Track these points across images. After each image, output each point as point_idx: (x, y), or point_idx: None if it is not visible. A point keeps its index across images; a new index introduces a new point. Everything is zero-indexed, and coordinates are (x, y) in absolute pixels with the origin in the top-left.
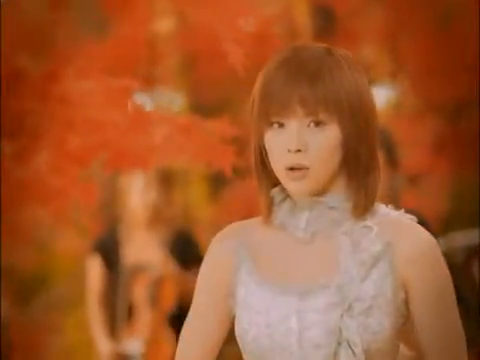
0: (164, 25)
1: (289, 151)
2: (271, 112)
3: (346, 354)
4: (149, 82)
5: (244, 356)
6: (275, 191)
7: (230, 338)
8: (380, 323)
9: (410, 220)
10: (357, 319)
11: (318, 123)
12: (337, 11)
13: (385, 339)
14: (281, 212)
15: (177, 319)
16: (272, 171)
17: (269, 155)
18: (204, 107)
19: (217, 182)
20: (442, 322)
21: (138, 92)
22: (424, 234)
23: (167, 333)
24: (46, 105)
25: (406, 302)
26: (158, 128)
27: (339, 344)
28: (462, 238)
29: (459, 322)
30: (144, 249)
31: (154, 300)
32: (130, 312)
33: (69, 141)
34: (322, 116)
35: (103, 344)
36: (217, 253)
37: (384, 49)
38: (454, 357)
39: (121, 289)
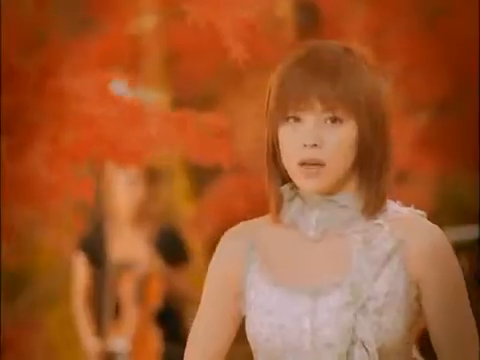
0: (149, 21)
1: (305, 146)
2: (289, 106)
3: (360, 354)
4: (137, 77)
5: (256, 356)
6: (284, 189)
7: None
8: (394, 321)
9: (420, 216)
10: (371, 318)
11: (335, 120)
12: (321, 8)
13: (399, 337)
14: (291, 210)
15: (163, 316)
16: (283, 168)
17: (282, 150)
18: (188, 102)
19: (198, 178)
20: (455, 318)
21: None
22: (435, 230)
23: (153, 330)
24: (41, 101)
25: (418, 299)
26: (152, 123)
27: (353, 343)
28: (449, 235)
29: (472, 317)
30: (130, 246)
31: (140, 297)
32: (116, 309)
33: (64, 136)
34: (340, 113)
35: (89, 342)
36: (227, 252)
37: (369, 46)
38: (467, 352)
39: (107, 286)
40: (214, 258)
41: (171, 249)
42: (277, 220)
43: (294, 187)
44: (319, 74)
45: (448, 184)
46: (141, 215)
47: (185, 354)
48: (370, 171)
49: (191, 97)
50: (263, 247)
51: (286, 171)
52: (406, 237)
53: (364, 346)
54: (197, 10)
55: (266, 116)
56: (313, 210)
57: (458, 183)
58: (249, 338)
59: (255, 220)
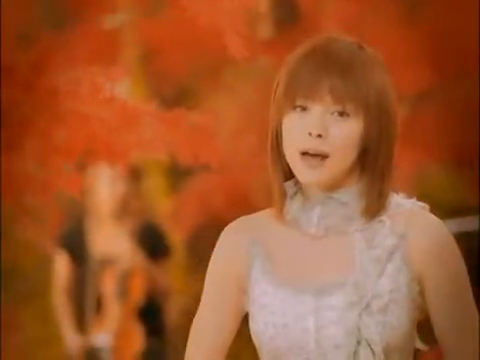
0: (126, 17)
1: (310, 135)
2: (298, 94)
3: (365, 353)
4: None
5: (260, 355)
6: (288, 185)
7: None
8: (398, 318)
9: (422, 208)
10: (376, 317)
11: (342, 114)
12: (299, 2)
13: (403, 335)
14: (292, 207)
15: (146, 311)
16: (285, 161)
17: (285, 138)
18: (165, 98)
19: (175, 174)
20: (459, 311)
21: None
22: (437, 223)
23: (136, 325)
24: (33, 96)
25: (421, 294)
26: (143, 122)
27: (358, 343)
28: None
29: (475, 310)
30: (112, 242)
31: (123, 293)
32: (98, 305)
33: (55, 133)
34: (349, 108)
35: (71, 338)
36: (228, 248)
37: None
38: (471, 345)
39: (89, 282)
40: (214, 254)
41: (152, 244)
42: (279, 216)
43: (297, 182)
44: (332, 67)
45: (424, 178)
46: (123, 211)
47: (187, 350)
48: (374, 170)
49: (169, 93)
50: (265, 244)
51: (288, 165)
52: (408, 232)
53: (369, 346)
54: (195, 6)
55: (273, 104)
56: (314, 207)
57: (435, 177)
58: (253, 335)
59: (254, 215)
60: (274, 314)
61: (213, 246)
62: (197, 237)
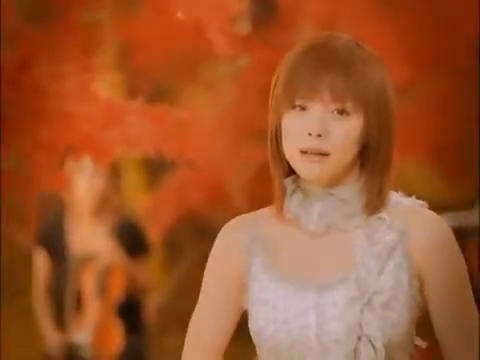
0: (106, 13)
1: (310, 135)
2: (297, 94)
3: (366, 349)
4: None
5: (260, 353)
6: (287, 181)
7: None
8: (399, 315)
9: (422, 206)
10: (377, 313)
11: (342, 112)
12: None
13: (404, 331)
14: (292, 204)
15: (125, 308)
16: (284, 158)
17: (284, 137)
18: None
19: (152, 171)
20: (459, 309)
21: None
22: (437, 220)
23: (115, 322)
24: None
25: (421, 291)
26: (128, 119)
27: (359, 339)
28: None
29: (475, 307)
30: (91, 238)
31: (102, 290)
32: (78, 302)
33: (41, 130)
34: (348, 106)
35: (50, 335)
36: (227, 245)
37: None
38: (471, 342)
39: (69, 279)
40: (213, 252)
41: (131, 241)
42: (279, 213)
43: (296, 179)
44: (332, 65)
45: (410, 173)
46: (101, 207)
47: (185, 348)
48: (374, 166)
49: (146, 88)
50: (265, 241)
51: (288, 162)
52: (408, 228)
53: (370, 342)
54: (181, 4)
55: (271, 103)
56: (314, 204)
57: (412, 173)
58: (252, 334)
59: (254, 213)
60: (275, 310)
61: (190, 243)
62: (174, 234)
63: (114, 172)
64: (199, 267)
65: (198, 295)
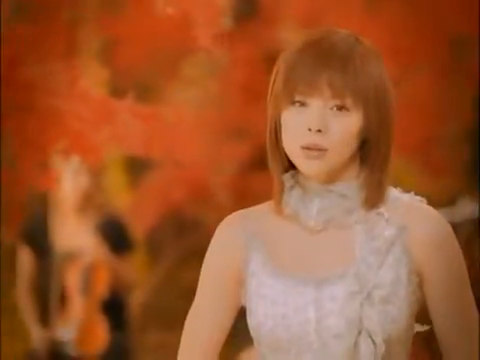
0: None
1: (309, 130)
2: (297, 89)
3: (366, 344)
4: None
5: (258, 348)
6: (286, 177)
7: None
8: (399, 310)
9: (420, 202)
10: (377, 307)
11: (341, 108)
12: None
13: (404, 327)
14: (291, 199)
15: (110, 305)
16: (284, 153)
17: (284, 133)
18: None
19: (135, 168)
20: (457, 305)
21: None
22: (436, 216)
23: (100, 319)
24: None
25: (420, 286)
26: (117, 118)
27: (359, 334)
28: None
29: (473, 303)
30: (76, 235)
31: (86, 286)
32: (63, 299)
33: (28, 128)
34: (348, 102)
35: (34, 331)
36: (226, 241)
37: (304, 30)
38: (470, 339)
39: (53, 276)
40: (211, 247)
41: (115, 238)
42: (278, 208)
43: (295, 175)
44: (331, 60)
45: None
46: (86, 205)
47: (181, 344)
48: (373, 162)
49: (128, 85)
50: (263, 236)
51: (287, 157)
52: (407, 224)
53: (370, 337)
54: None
55: (270, 98)
56: (313, 200)
57: (397, 170)
58: (251, 329)
59: (252, 209)
60: (275, 305)
61: (172, 240)
62: (156, 232)
63: (98, 170)
64: (181, 265)
65: (179, 293)
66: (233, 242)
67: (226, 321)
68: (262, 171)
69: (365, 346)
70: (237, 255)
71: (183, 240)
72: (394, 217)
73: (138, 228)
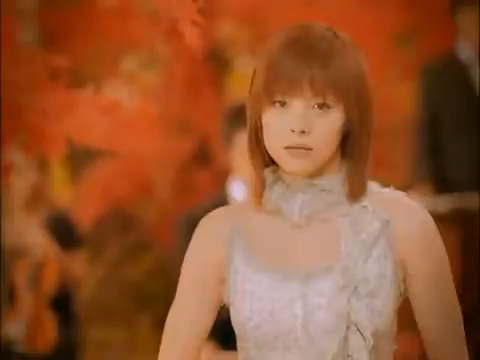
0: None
1: (293, 131)
2: (277, 90)
3: (355, 338)
4: None
5: (242, 344)
6: (267, 172)
7: None
8: (385, 304)
9: (403, 196)
10: (364, 301)
11: (323, 105)
12: None
13: (389, 321)
14: (273, 195)
15: (59, 301)
16: (264, 151)
17: (266, 134)
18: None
19: (77, 162)
20: (441, 299)
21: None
22: (420, 210)
23: (49, 315)
24: None
25: (404, 280)
26: (81, 110)
27: (347, 328)
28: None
29: (456, 297)
30: (24, 231)
31: (35, 283)
32: (11, 295)
33: None
34: (329, 99)
35: None
36: (207, 237)
37: (245, 25)
38: (453, 334)
39: (1, 273)
40: (192, 243)
41: (63, 234)
42: (259, 204)
43: (276, 170)
44: (312, 60)
45: None
46: (34, 201)
47: (163, 341)
48: (355, 154)
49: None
50: (246, 232)
51: (267, 153)
52: (391, 218)
53: (359, 330)
54: None
55: (250, 96)
56: (296, 194)
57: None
58: (235, 325)
59: (234, 205)
60: (261, 301)
61: (114, 235)
62: (99, 227)
63: (44, 165)
64: (123, 260)
65: (122, 289)
66: (215, 238)
67: (208, 318)
68: (204, 166)
69: (355, 340)
70: (218, 250)
71: (125, 235)
72: (378, 211)
73: (81, 223)
